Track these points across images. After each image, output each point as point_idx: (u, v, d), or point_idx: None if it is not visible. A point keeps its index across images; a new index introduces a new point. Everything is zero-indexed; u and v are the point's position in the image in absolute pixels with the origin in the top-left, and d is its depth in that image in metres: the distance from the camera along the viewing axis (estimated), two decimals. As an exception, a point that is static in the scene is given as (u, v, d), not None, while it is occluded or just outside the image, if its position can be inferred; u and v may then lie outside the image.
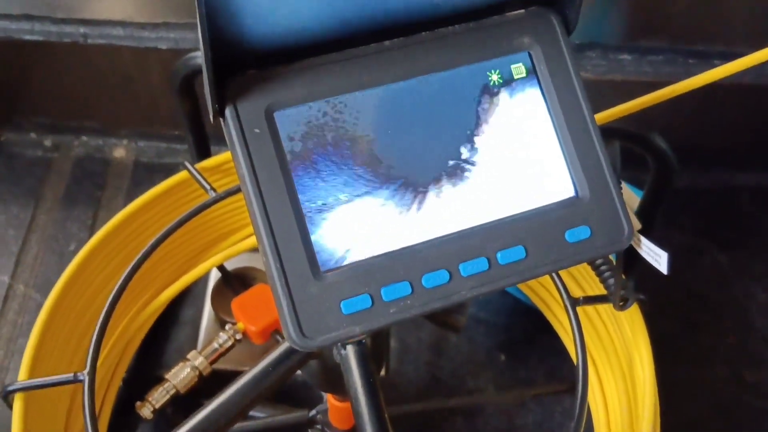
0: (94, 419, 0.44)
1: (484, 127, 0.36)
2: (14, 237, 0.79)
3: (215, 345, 0.57)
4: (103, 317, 0.48)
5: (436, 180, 0.35)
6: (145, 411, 0.54)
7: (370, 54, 0.35)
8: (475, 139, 0.36)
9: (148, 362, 0.69)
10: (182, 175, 0.59)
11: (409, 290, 0.34)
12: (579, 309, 0.50)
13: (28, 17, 0.77)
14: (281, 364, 0.46)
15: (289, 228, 0.33)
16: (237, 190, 0.55)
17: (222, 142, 0.74)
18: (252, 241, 0.61)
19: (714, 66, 0.46)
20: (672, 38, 0.78)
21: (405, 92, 0.35)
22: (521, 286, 0.66)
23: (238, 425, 0.61)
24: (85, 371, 0.46)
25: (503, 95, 0.36)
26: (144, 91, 0.83)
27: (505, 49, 0.36)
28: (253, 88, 0.33)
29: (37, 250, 0.78)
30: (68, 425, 0.53)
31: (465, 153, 0.35)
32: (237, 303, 0.59)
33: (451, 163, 0.35)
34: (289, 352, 0.46)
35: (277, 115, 0.33)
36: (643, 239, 0.40)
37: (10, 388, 0.47)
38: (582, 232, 0.36)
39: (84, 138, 0.88)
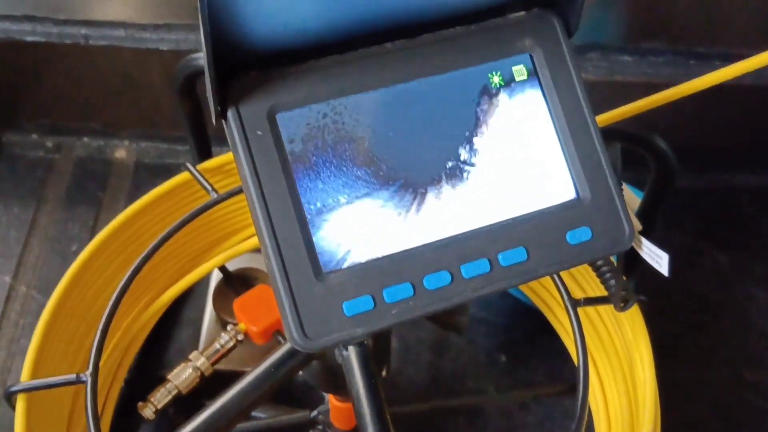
0: (97, 420, 0.44)
1: (486, 129, 0.36)
2: (16, 238, 0.79)
3: (217, 345, 0.58)
4: (105, 318, 0.48)
5: (440, 182, 0.35)
6: (147, 411, 0.54)
7: (371, 56, 0.35)
8: (476, 140, 0.36)
9: (150, 363, 0.69)
10: (184, 176, 0.60)
11: (411, 292, 0.34)
12: (579, 310, 0.50)
13: (30, 18, 0.77)
14: (283, 365, 0.46)
15: (292, 229, 0.33)
16: (238, 191, 0.55)
17: (223, 143, 0.74)
18: (253, 241, 0.61)
19: (715, 67, 0.46)
20: (672, 40, 0.78)
21: (406, 94, 0.35)
22: (522, 287, 0.66)
23: (239, 426, 0.61)
24: (88, 372, 0.46)
25: (504, 97, 0.36)
26: (145, 92, 0.83)
27: (506, 51, 0.36)
28: (255, 90, 0.33)
29: (38, 251, 0.78)
30: (70, 425, 0.53)
31: (466, 155, 0.36)
32: (238, 303, 0.59)
33: (454, 166, 0.35)
34: (291, 353, 0.46)
35: (279, 117, 0.33)
36: (644, 240, 0.40)
37: (13, 388, 0.47)
38: (583, 234, 0.36)
39: (85, 139, 0.88)
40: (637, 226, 0.39)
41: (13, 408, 0.48)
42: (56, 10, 0.77)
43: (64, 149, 0.88)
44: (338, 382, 0.45)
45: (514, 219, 0.36)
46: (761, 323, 0.76)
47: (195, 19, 0.78)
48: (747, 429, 0.69)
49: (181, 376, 0.56)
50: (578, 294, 0.58)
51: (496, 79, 0.36)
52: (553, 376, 0.71)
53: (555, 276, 0.52)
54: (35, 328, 0.51)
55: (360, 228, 0.34)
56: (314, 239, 0.33)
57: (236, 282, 0.67)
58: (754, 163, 0.88)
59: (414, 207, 0.35)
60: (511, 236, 0.35)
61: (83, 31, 0.77)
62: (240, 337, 0.58)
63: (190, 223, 0.54)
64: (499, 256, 0.35)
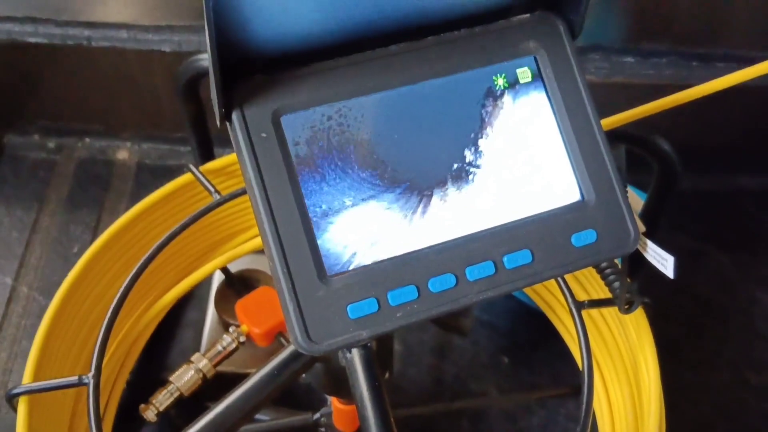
0: (99, 422, 0.44)
1: (490, 131, 0.36)
2: (18, 239, 0.79)
3: (219, 347, 0.57)
4: (107, 320, 0.48)
5: (445, 185, 0.35)
6: (149, 413, 0.54)
7: (376, 58, 0.35)
8: (481, 142, 0.36)
9: (152, 365, 0.69)
10: (186, 177, 0.59)
11: (416, 294, 0.34)
12: (583, 312, 0.50)
13: (32, 20, 0.77)
14: (286, 368, 0.46)
15: (296, 232, 0.33)
16: (241, 193, 0.55)
17: (225, 145, 0.74)
18: (255, 243, 0.61)
19: (717, 68, 0.46)
20: (675, 41, 0.78)
21: (411, 97, 0.35)
22: (526, 289, 0.66)
23: (242, 428, 0.61)
24: (90, 374, 0.46)
25: (509, 99, 0.36)
26: (147, 94, 0.83)
27: (510, 53, 0.36)
28: (259, 93, 0.33)
29: (40, 252, 0.78)
30: (72, 427, 0.53)
31: (472, 157, 0.36)
32: (241, 305, 0.59)
33: (459, 168, 0.35)
34: (295, 356, 0.46)
35: (283, 120, 0.33)
36: (649, 243, 0.40)
37: (15, 391, 0.47)
38: (588, 236, 0.36)
39: (87, 140, 0.88)
40: (641, 227, 0.39)
41: (15, 410, 0.48)
42: (58, 12, 0.77)
43: (66, 150, 0.88)
44: (341, 385, 0.45)
45: (518, 221, 0.36)
46: (765, 326, 0.76)
47: (197, 21, 0.78)
48: (751, 432, 0.69)
49: (183, 378, 0.55)
50: (582, 296, 0.58)
51: (500, 82, 0.36)
52: (556, 379, 0.71)
53: (559, 278, 0.52)
54: (37, 330, 0.51)
55: (364, 230, 0.34)
56: (318, 242, 0.33)
57: (238, 284, 0.66)
58: (758, 164, 0.87)
59: (419, 209, 0.35)
60: (516, 239, 0.35)
61: (86, 32, 0.77)
62: (242, 339, 0.58)
63: (192, 225, 0.54)
64: (504, 259, 0.35)
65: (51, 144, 0.88)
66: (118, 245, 0.57)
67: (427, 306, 0.34)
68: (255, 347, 0.60)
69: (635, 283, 0.47)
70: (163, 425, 0.64)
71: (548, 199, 0.36)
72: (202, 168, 0.59)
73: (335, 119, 0.34)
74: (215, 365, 0.57)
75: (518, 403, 0.70)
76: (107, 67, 0.81)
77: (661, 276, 0.40)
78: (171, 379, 0.55)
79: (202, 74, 0.58)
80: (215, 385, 0.55)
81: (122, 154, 0.88)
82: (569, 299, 0.50)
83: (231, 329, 0.58)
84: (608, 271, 0.47)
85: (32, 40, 0.78)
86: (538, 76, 0.37)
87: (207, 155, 0.67)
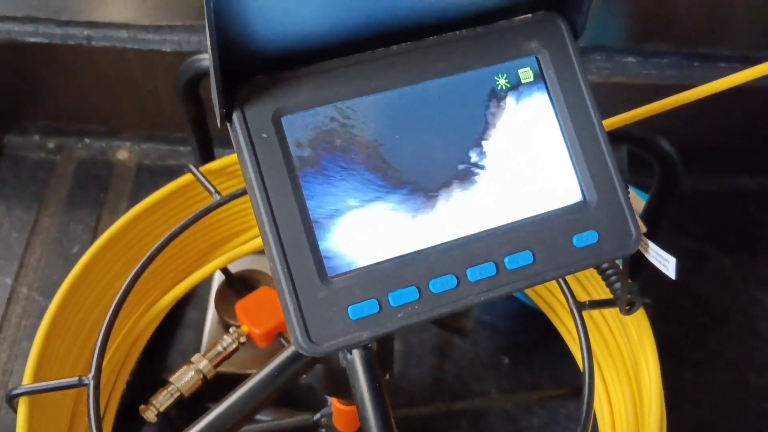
0: (99, 423, 0.44)
1: (492, 132, 0.36)
2: (18, 240, 0.79)
3: (219, 348, 0.57)
4: (107, 321, 0.48)
5: (446, 186, 0.35)
6: (149, 414, 0.54)
7: (377, 59, 0.35)
8: (483, 143, 0.36)
9: (152, 365, 0.69)
10: (186, 178, 0.59)
11: (417, 295, 0.34)
12: (584, 313, 0.50)
13: (33, 19, 0.77)
14: (287, 369, 0.46)
15: (297, 233, 0.33)
16: (241, 193, 0.55)
17: (225, 145, 0.74)
18: (255, 243, 0.61)
19: (719, 69, 0.46)
20: (676, 41, 0.78)
21: (412, 97, 0.35)
22: (526, 290, 0.66)
23: (242, 429, 0.61)
24: (90, 375, 0.46)
25: (511, 100, 0.36)
26: (147, 94, 0.83)
27: (512, 53, 0.36)
28: (260, 93, 0.33)
29: (40, 252, 0.78)
30: (72, 428, 0.53)
31: (474, 157, 0.35)
32: (241, 306, 0.58)
33: (460, 168, 0.35)
34: (295, 357, 0.46)
35: (284, 120, 0.33)
36: (651, 244, 0.39)
37: (15, 392, 0.47)
38: (590, 237, 0.36)
39: (87, 140, 0.88)
40: (642, 228, 0.39)
41: (15, 411, 0.48)
42: (58, 12, 0.77)
43: (66, 151, 0.87)
44: (342, 386, 0.45)
45: (520, 222, 0.36)
46: (766, 326, 0.76)
47: (197, 21, 0.78)
48: (752, 433, 0.69)
49: (184, 379, 0.55)
50: (583, 297, 0.58)
51: (502, 82, 0.36)
52: (556, 379, 0.71)
53: (560, 279, 0.51)
54: (37, 331, 0.51)
55: (365, 231, 0.34)
56: (319, 243, 0.33)
57: (239, 284, 0.66)
58: (758, 165, 0.87)
59: (420, 210, 0.35)
60: (517, 239, 0.35)
61: (86, 32, 0.77)
62: (242, 339, 0.58)
63: (192, 225, 0.54)
64: (506, 260, 0.35)
65: (51, 144, 0.88)
66: (118, 246, 0.57)
67: (428, 307, 0.34)
68: (255, 348, 0.60)
69: (636, 284, 0.47)
70: (164, 426, 0.64)
71: (549, 200, 0.36)
72: (203, 168, 0.59)
73: (336, 120, 0.34)
74: (215, 366, 0.57)
75: (519, 403, 0.70)
76: (107, 67, 0.81)
77: (661, 276, 0.40)
78: (171, 379, 0.55)
79: (203, 74, 0.58)
80: (215, 386, 0.55)
81: (122, 155, 0.88)
82: (570, 300, 0.50)
83: (231, 330, 0.58)
84: (609, 271, 0.47)
85: (32, 39, 0.77)
86: (540, 77, 0.37)
87: (207, 156, 0.67)
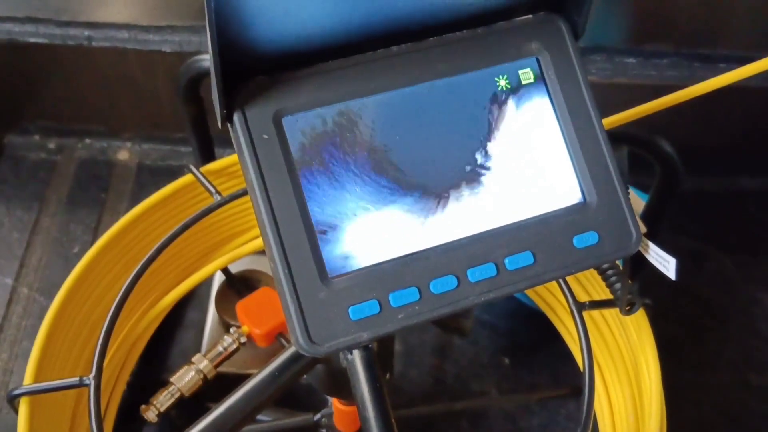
0: (100, 423, 0.44)
1: (492, 133, 0.36)
2: (18, 240, 0.79)
3: (220, 348, 0.57)
4: (108, 321, 0.48)
5: (446, 186, 0.35)
6: (150, 414, 0.54)
7: (378, 60, 0.35)
8: (484, 144, 0.36)
9: (153, 365, 0.69)
10: (187, 178, 0.59)
11: (417, 296, 0.34)
12: (584, 313, 0.50)
13: (33, 20, 0.77)
14: (287, 369, 0.46)
15: (297, 234, 0.33)
16: (242, 194, 0.55)
17: (226, 145, 0.74)
18: (256, 243, 0.61)
19: (719, 69, 0.46)
20: (677, 42, 0.78)
21: (412, 98, 0.35)
22: (527, 291, 0.66)
23: (243, 429, 0.61)
24: (91, 375, 0.46)
25: (511, 101, 0.36)
26: (148, 94, 0.83)
27: (513, 54, 0.36)
28: (261, 94, 0.33)
29: (41, 252, 0.78)
30: (73, 428, 0.53)
31: (474, 159, 0.35)
32: (241, 306, 0.59)
33: (460, 169, 0.35)
34: (296, 357, 0.46)
35: (285, 121, 0.33)
36: (651, 245, 0.40)
37: (16, 392, 0.47)
38: (590, 238, 0.36)
39: (88, 140, 0.88)
40: (642, 229, 0.39)
41: (16, 411, 0.48)
42: (59, 12, 0.77)
43: (67, 151, 0.88)
44: (342, 386, 0.45)
45: (520, 223, 0.36)
46: (766, 327, 0.76)
47: (198, 21, 0.78)
48: (752, 433, 0.69)
49: (184, 379, 0.55)
50: (583, 297, 0.58)
51: (502, 83, 0.36)
52: (556, 380, 0.71)
53: (560, 279, 0.51)
54: (38, 331, 0.51)
55: (366, 232, 0.34)
56: (320, 243, 0.33)
57: (239, 284, 0.66)
58: (758, 165, 0.87)
59: (420, 211, 0.35)
60: (518, 240, 0.35)
61: (86, 32, 0.77)
62: (243, 339, 0.58)
63: (193, 226, 0.54)
64: (506, 261, 0.35)
65: (51, 144, 0.88)
66: (118, 246, 0.57)
67: (428, 307, 0.34)
68: (256, 348, 0.60)
69: (636, 284, 0.47)
70: (164, 426, 0.64)
71: (550, 201, 0.36)
72: (203, 169, 0.59)
73: (337, 121, 0.34)
74: (216, 366, 0.57)
75: (518, 403, 0.70)
76: (108, 68, 0.81)
77: (661, 276, 0.40)
78: (172, 379, 0.55)
79: (203, 75, 0.58)
80: (216, 386, 0.55)
81: (123, 155, 0.88)
82: (570, 300, 0.50)
83: (232, 330, 0.58)
84: (610, 272, 0.47)
85: (33, 40, 0.77)
86: (540, 78, 0.37)
87: (208, 156, 0.67)
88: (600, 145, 0.37)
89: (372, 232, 0.34)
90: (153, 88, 0.82)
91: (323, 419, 0.60)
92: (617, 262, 0.46)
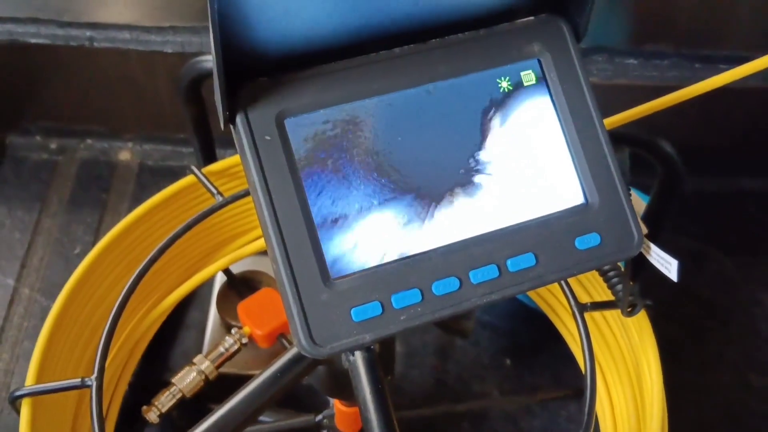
0: (102, 424, 0.44)
1: (494, 134, 0.36)
2: (20, 240, 0.79)
3: (221, 349, 0.57)
4: (110, 322, 0.48)
5: (448, 188, 0.35)
6: (152, 415, 0.54)
7: (380, 61, 0.35)
8: (486, 146, 0.36)
9: (154, 366, 0.69)
10: (188, 179, 0.60)
11: (420, 297, 0.34)
12: (586, 314, 0.50)
13: (35, 20, 0.77)
14: (289, 371, 0.46)
15: (300, 235, 0.33)
16: (243, 195, 0.55)
17: (227, 146, 0.74)
18: (258, 244, 0.61)
19: (720, 70, 0.46)
20: (677, 42, 0.78)
21: (415, 99, 0.35)
22: (528, 292, 0.66)
23: (244, 430, 0.61)
24: (93, 376, 0.46)
25: (513, 102, 0.36)
26: (150, 95, 0.83)
27: (514, 56, 0.36)
28: (263, 95, 0.33)
29: (42, 253, 0.78)
30: (75, 429, 0.53)
31: (476, 160, 0.35)
32: (243, 307, 0.59)
33: (462, 171, 0.35)
34: (298, 359, 0.46)
35: (287, 123, 0.33)
36: (653, 246, 0.40)
37: (18, 393, 0.47)
38: (592, 240, 0.36)
39: (89, 141, 0.88)
40: (643, 230, 0.39)
41: (18, 412, 0.48)
42: (60, 13, 0.77)
43: (68, 151, 0.88)
44: (344, 387, 0.45)
45: (522, 224, 0.36)
46: (767, 327, 0.76)
47: (199, 22, 0.78)
48: (753, 434, 0.69)
49: (186, 380, 0.56)
50: (585, 298, 0.58)
51: (504, 84, 0.36)
52: (558, 381, 0.71)
53: (562, 281, 0.51)
54: (40, 332, 0.51)
55: (368, 233, 0.34)
56: (322, 245, 0.33)
57: (240, 285, 0.66)
58: (758, 165, 0.87)
59: (422, 213, 0.35)
60: (520, 242, 0.35)
61: (88, 33, 0.77)
62: (244, 340, 0.58)
63: (195, 227, 0.54)
64: (508, 262, 0.35)
65: (53, 145, 0.88)
66: (120, 247, 0.57)
67: (430, 309, 0.34)
68: (257, 349, 0.60)
69: (637, 286, 0.47)
70: (166, 427, 0.64)
71: (552, 202, 0.36)
72: (205, 170, 0.59)
73: (339, 122, 0.34)
74: (217, 367, 0.57)
75: (520, 404, 0.70)
76: (109, 68, 0.81)
77: (662, 277, 0.40)
78: (173, 380, 0.55)
79: (205, 76, 0.58)
80: (217, 387, 0.55)
81: (124, 155, 0.88)
82: (572, 302, 0.50)
83: (233, 331, 0.58)
84: (611, 273, 0.47)
85: (34, 40, 0.78)
86: (542, 79, 0.37)
87: (209, 157, 0.67)
88: (602, 147, 0.37)
89: (374, 233, 0.34)
90: (154, 88, 0.82)
91: (325, 420, 0.60)
92: (618, 263, 0.46)
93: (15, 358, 0.71)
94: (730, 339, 0.75)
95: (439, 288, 0.34)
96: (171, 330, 0.71)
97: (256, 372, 0.48)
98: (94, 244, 0.56)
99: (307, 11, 0.32)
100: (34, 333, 0.70)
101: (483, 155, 0.36)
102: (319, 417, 0.60)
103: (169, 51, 0.77)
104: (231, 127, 0.34)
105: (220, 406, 0.46)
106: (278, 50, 0.33)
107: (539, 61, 0.37)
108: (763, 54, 0.46)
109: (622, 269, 0.47)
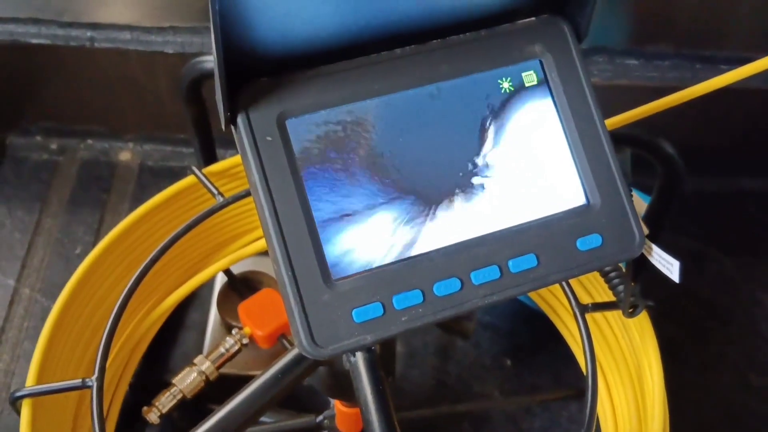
0: (102, 424, 0.44)
1: (496, 135, 0.36)
2: (20, 241, 0.79)
3: (222, 349, 0.57)
4: (110, 323, 0.48)
5: (449, 189, 0.35)
6: (152, 416, 0.54)
7: (381, 62, 0.35)
8: (486, 146, 0.36)
9: (155, 367, 0.69)
10: (189, 179, 0.59)
11: (421, 298, 0.34)
12: (587, 315, 0.50)
13: (35, 21, 0.77)
14: (290, 372, 0.46)
15: (301, 236, 0.33)
16: (244, 195, 0.55)
17: (228, 146, 0.74)
18: (258, 245, 0.61)
19: (720, 71, 0.46)
20: (678, 43, 0.78)
21: (416, 100, 0.35)
22: (530, 293, 0.66)
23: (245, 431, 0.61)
24: (93, 377, 0.46)
25: (514, 103, 0.36)
26: (150, 95, 0.83)
27: (516, 56, 0.36)
28: (265, 96, 0.33)
29: (42, 253, 0.78)
30: (75, 430, 0.53)
31: (477, 161, 0.35)
32: (243, 307, 0.59)
33: (463, 171, 0.35)
34: (299, 360, 0.46)
35: (289, 123, 0.33)
36: (655, 247, 0.40)
37: (18, 393, 0.47)
38: (593, 240, 0.36)
39: (90, 141, 0.88)
40: (644, 231, 0.39)
41: (18, 413, 0.48)
42: (61, 13, 0.77)
43: (69, 152, 0.88)
44: (345, 388, 0.45)
45: (524, 225, 0.36)
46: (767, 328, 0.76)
47: (200, 22, 0.78)
48: (753, 434, 0.69)
49: (186, 381, 0.56)
50: (586, 299, 0.58)
51: (506, 85, 0.36)
52: (559, 381, 0.71)
53: (563, 281, 0.51)
54: (41, 333, 0.51)
55: (369, 234, 0.34)
56: (324, 246, 0.33)
57: (241, 286, 0.66)
58: (759, 165, 0.87)
59: (424, 213, 0.35)
60: (521, 243, 0.35)
61: (88, 33, 0.77)
62: (245, 341, 0.58)
63: (196, 227, 0.54)
64: (510, 263, 0.35)
65: (53, 145, 0.88)
66: (121, 248, 0.57)
67: (432, 310, 0.34)
68: (258, 349, 0.60)
69: (638, 287, 0.47)
70: (166, 427, 0.64)
71: (553, 203, 0.36)
72: (205, 170, 0.59)
73: (340, 123, 0.34)
74: (218, 367, 0.57)
75: (521, 405, 0.70)
76: (110, 69, 0.81)
77: (663, 278, 0.40)
78: (174, 381, 0.55)
79: (206, 76, 0.58)
80: (218, 387, 0.55)
81: (125, 156, 0.88)
82: (573, 303, 0.50)
83: (234, 331, 0.58)
84: (612, 274, 0.47)
85: (35, 41, 0.78)
86: (543, 80, 0.37)
87: (210, 157, 0.67)
88: (603, 147, 0.37)
89: (376, 233, 0.34)
90: (155, 89, 0.82)
91: (325, 421, 0.60)
92: (620, 264, 0.46)
93: (15, 359, 0.71)
94: (731, 339, 0.75)
95: (441, 289, 0.34)
96: (171, 330, 0.71)
97: (257, 373, 0.48)
98: (94, 244, 0.56)
99: (308, 12, 0.32)
100: (35, 333, 0.70)
101: (484, 156, 0.36)
102: (320, 418, 0.60)
103: (170, 51, 0.77)
104: (232, 127, 0.34)
105: (221, 406, 0.46)
106: (279, 51, 0.33)
107: (541, 62, 0.37)
108: (764, 55, 0.46)
109: (623, 270, 0.47)
